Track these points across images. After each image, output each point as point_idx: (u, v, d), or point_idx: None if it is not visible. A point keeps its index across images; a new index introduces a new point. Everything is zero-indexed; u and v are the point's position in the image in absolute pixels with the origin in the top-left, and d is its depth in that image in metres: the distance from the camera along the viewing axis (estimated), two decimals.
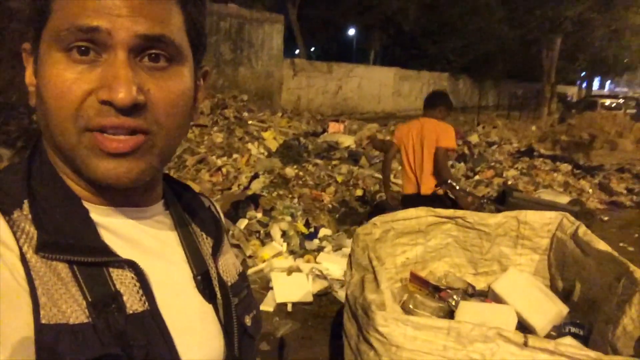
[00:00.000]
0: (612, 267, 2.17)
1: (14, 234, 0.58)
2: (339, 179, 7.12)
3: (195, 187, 5.70)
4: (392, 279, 2.71)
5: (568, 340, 1.99)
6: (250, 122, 9.36)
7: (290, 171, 6.94)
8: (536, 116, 24.64)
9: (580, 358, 1.43)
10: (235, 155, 7.58)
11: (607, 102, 24.96)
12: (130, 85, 0.57)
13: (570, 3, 22.78)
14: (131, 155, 0.60)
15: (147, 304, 0.63)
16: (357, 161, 8.13)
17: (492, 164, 9.29)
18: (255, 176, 6.78)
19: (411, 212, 2.74)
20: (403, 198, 4.36)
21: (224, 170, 6.99)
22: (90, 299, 0.58)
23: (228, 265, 0.82)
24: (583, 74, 39.35)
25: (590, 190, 8.49)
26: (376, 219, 2.62)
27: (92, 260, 0.61)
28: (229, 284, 0.79)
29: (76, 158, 0.61)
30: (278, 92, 16.61)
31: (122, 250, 0.64)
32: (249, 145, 8.17)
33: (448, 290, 2.49)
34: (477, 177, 8.26)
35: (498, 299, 2.36)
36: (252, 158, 7.72)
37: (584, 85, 44.68)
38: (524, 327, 2.26)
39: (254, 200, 5.80)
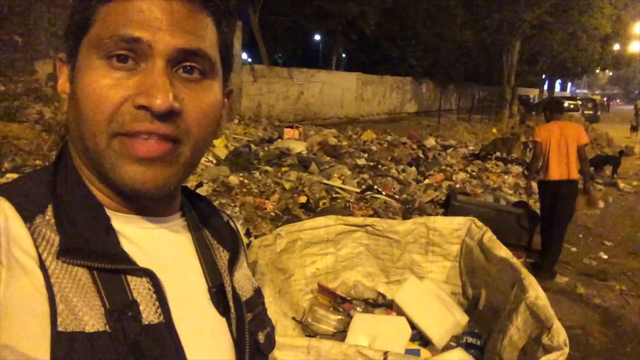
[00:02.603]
0: (510, 273, 2.13)
1: (34, 240, 0.58)
2: (287, 185, 7.04)
3: None
4: (302, 291, 2.64)
5: (456, 352, 1.93)
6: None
7: (234, 179, 6.83)
8: (497, 119, 25.01)
9: None
10: None
11: (566, 104, 25.56)
12: (168, 92, 0.60)
13: (528, 7, 23.27)
14: (159, 162, 0.62)
15: (162, 315, 0.63)
16: (307, 167, 8.06)
17: (444, 167, 9.33)
18: (200, 185, 6.64)
19: (319, 220, 2.67)
20: (546, 183, 5.58)
21: None
22: (108, 307, 0.59)
23: (244, 280, 0.81)
24: (544, 76, 40.17)
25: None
26: (281, 229, 2.55)
27: (112, 267, 0.61)
28: (244, 298, 0.78)
29: (104, 162, 0.62)
30: (237, 99, 16.46)
31: (140, 259, 0.65)
32: None
33: (353, 302, 2.43)
34: (427, 181, 8.27)
35: (399, 310, 2.30)
36: (199, 166, 7.58)
37: (546, 87, 45.64)
38: (424, 338, 2.21)
39: None
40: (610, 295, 5.12)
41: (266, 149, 9.14)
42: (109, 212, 0.66)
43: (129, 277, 0.63)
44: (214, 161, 8.03)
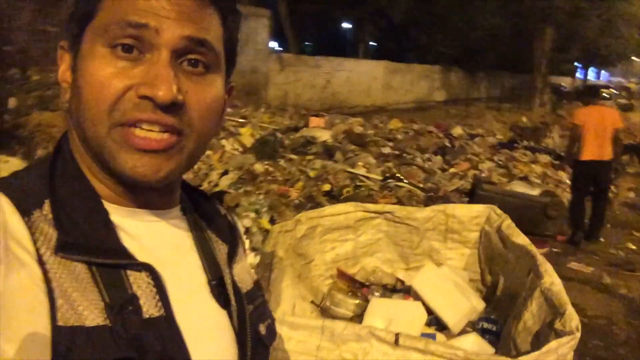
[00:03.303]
0: (527, 260, 2.14)
1: (32, 235, 0.58)
2: (312, 174, 7.09)
3: None
4: (322, 276, 2.68)
5: (471, 337, 1.96)
6: (226, 117, 9.30)
7: (259, 167, 6.90)
8: (527, 107, 24.57)
9: (449, 356, 1.40)
10: (208, 152, 7.53)
11: (604, 93, 24.96)
12: (172, 83, 0.60)
13: None
14: (161, 154, 0.62)
15: (163, 309, 0.63)
16: (331, 156, 8.08)
17: (470, 156, 9.25)
18: (225, 173, 6.74)
19: (339, 207, 2.71)
20: (581, 163, 6.10)
21: (194, 167, 6.95)
22: (108, 301, 0.59)
23: (243, 273, 0.82)
24: (577, 64, 39.25)
25: (568, 182, 8.45)
26: (301, 215, 2.60)
27: (111, 262, 0.61)
28: (244, 291, 0.79)
29: (104, 151, 0.62)
30: (264, 88, 16.54)
31: (139, 253, 0.65)
32: (223, 142, 8.12)
33: (371, 287, 2.47)
34: (452, 170, 8.22)
35: (417, 296, 2.33)
36: (225, 155, 7.68)
37: (579, 75, 44.58)
38: (440, 323, 2.24)
39: (218, 197, 5.76)
40: (636, 286, 5.06)
41: (292, 137, 9.18)
42: (108, 205, 0.66)
43: (129, 272, 0.63)
44: (240, 149, 8.12)
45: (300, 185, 6.52)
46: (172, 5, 0.61)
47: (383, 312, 2.09)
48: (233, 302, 0.75)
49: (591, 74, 52.94)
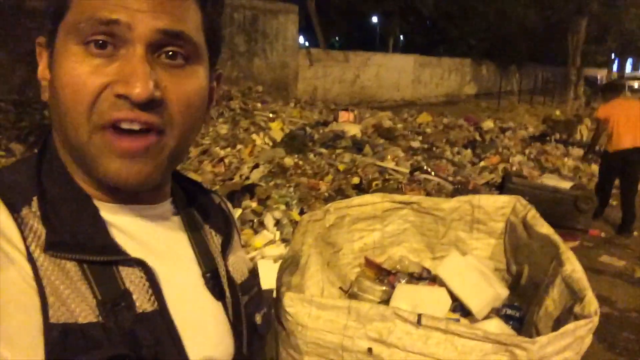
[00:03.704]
0: (550, 249, 2.18)
1: (22, 232, 0.57)
2: (341, 167, 7.17)
3: (197, 178, 5.84)
4: (350, 264, 2.76)
5: (494, 322, 2.02)
6: (257, 112, 9.45)
7: (289, 160, 7.02)
8: (561, 100, 24.12)
9: (469, 336, 1.48)
10: (239, 146, 7.69)
11: (636, 84, 24.32)
12: (148, 80, 0.58)
13: None
14: (142, 156, 0.60)
15: (156, 303, 0.63)
16: (360, 149, 8.15)
17: (501, 150, 9.19)
18: (256, 166, 6.88)
19: (367, 198, 2.78)
20: (615, 153, 6.29)
21: (226, 161, 7.11)
22: (100, 298, 0.58)
23: (238, 263, 0.81)
24: (613, 56, 38.26)
25: None
26: (330, 205, 2.67)
27: (101, 259, 0.60)
28: (239, 281, 0.78)
29: (86, 156, 0.61)
30: (294, 83, 16.68)
31: (131, 248, 0.64)
32: (254, 136, 8.26)
33: (397, 275, 2.54)
34: (482, 163, 8.19)
35: (442, 283, 2.39)
36: (256, 148, 7.82)
37: (616, 67, 43.48)
38: (465, 309, 2.29)
39: (249, 189, 5.89)
40: None
41: (321, 131, 9.28)
42: (96, 202, 0.65)
43: (120, 267, 0.62)
44: (270, 143, 8.26)
45: (329, 178, 6.62)
46: None
47: (408, 297, 2.17)
48: (227, 293, 0.74)
49: (628, 65, 51.54)
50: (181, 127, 0.63)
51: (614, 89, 6.88)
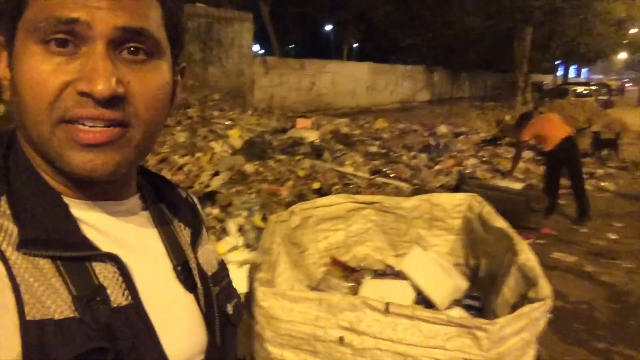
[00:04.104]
0: (505, 241, 2.32)
1: None
2: (301, 173, 7.24)
3: None
4: (315, 264, 2.84)
5: (455, 311, 2.13)
6: (214, 120, 9.44)
7: (249, 167, 7.05)
8: (510, 106, 24.92)
9: (434, 321, 1.57)
10: (198, 154, 7.66)
11: (579, 89, 25.38)
12: (110, 77, 0.57)
13: None
14: (107, 147, 0.60)
15: (130, 297, 0.63)
16: (320, 155, 8.26)
17: (455, 153, 9.47)
18: (216, 174, 6.87)
19: (331, 199, 2.87)
20: (554, 148, 6.77)
21: (185, 169, 7.07)
22: (75, 293, 0.58)
23: (208, 255, 0.82)
24: (558, 62, 39.78)
25: None
26: (295, 207, 2.75)
27: (74, 255, 0.60)
28: (210, 273, 0.79)
29: (50, 150, 0.60)
30: (250, 90, 16.68)
31: (103, 244, 0.64)
32: (213, 144, 8.24)
33: (362, 271, 2.64)
34: (438, 167, 8.43)
35: (405, 277, 2.50)
36: (215, 156, 7.80)
37: (561, 73, 45.17)
38: (428, 301, 2.40)
39: (210, 197, 5.89)
40: (617, 273, 5.26)
41: (279, 138, 9.34)
42: (66, 199, 0.64)
43: (94, 263, 0.62)
44: (229, 151, 8.25)
45: (290, 184, 6.68)
46: None
47: (374, 291, 2.26)
48: (199, 285, 0.75)
49: (572, 72, 53.67)
50: (147, 120, 0.63)
51: (528, 116, 7.61)
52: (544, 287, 1.74)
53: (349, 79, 22.62)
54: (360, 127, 12.04)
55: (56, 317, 0.55)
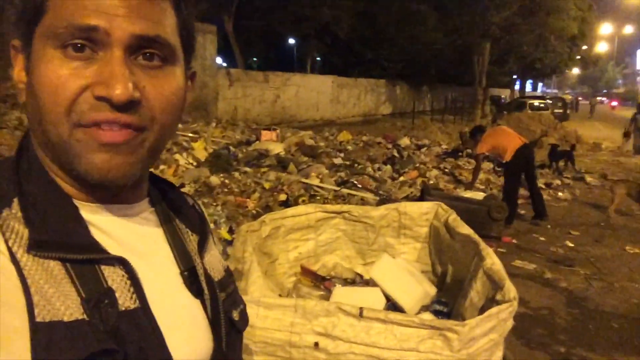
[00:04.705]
0: (471, 247, 2.39)
1: (3, 234, 0.57)
2: (267, 185, 7.25)
3: None
4: (286, 274, 2.86)
5: (425, 315, 2.18)
6: (178, 132, 9.36)
7: (215, 179, 7.01)
8: (470, 119, 25.54)
9: (407, 324, 1.61)
10: (162, 167, 7.58)
11: (536, 102, 26.20)
12: (127, 82, 0.59)
13: (497, 9, 23.84)
14: (124, 148, 0.61)
15: (138, 301, 0.64)
16: (285, 167, 8.28)
17: (418, 165, 9.64)
18: (182, 186, 6.81)
19: (300, 209, 2.90)
20: (512, 157, 7.05)
21: None
22: (84, 296, 0.58)
23: (214, 261, 0.82)
24: (515, 77, 40.97)
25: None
26: (265, 217, 2.77)
27: (84, 257, 0.61)
28: (216, 279, 0.80)
29: (69, 152, 0.61)
30: (214, 103, 16.61)
31: (111, 247, 0.65)
32: (177, 156, 8.18)
33: (332, 280, 2.66)
34: (402, 178, 8.56)
35: (375, 284, 2.54)
36: (180, 168, 7.74)
37: (518, 87, 46.52)
38: (397, 307, 2.45)
39: None
40: (575, 279, 5.43)
41: (245, 150, 9.34)
42: (76, 202, 0.65)
43: (102, 266, 0.63)
44: (194, 163, 8.20)
45: (256, 196, 6.68)
46: (121, 1, 0.60)
47: (345, 299, 2.28)
48: (206, 291, 0.76)
49: (528, 86, 55.33)
50: (161, 124, 0.65)
51: (481, 129, 8.00)
52: (510, 290, 1.81)
53: (313, 92, 22.78)
54: (325, 139, 12.15)
55: (65, 319, 0.56)
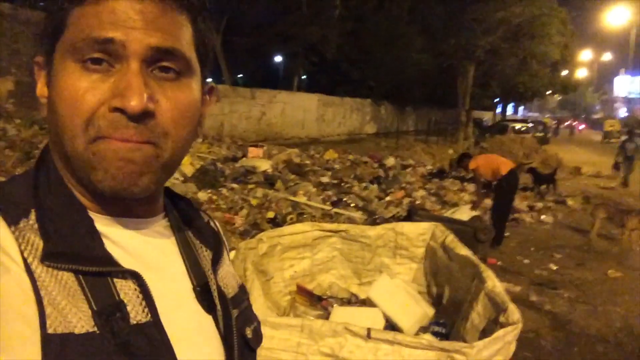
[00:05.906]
0: (470, 269, 2.41)
1: (19, 245, 0.58)
2: (254, 202, 7.23)
3: None
4: (281, 292, 2.84)
5: (425, 337, 2.18)
6: None
7: (202, 195, 6.97)
8: (453, 140, 25.81)
9: (415, 345, 1.61)
10: None
11: (518, 126, 26.64)
12: (142, 93, 0.59)
13: (482, 33, 24.28)
14: (139, 162, 0.61)
15: (149, 315, 0.63)
16: (272, 184, 8.27)
17: (404, 185, 9.70)
18: None
19: (297, 227, 2.90)
20: (508, 175, 7.36)
21: None
22: (95, 308, 0.59)
23: (228, 278, 0.82)
24: (497, 100, 41.54)
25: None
26: (263, 234, 2.76)
27: (97, 270, 0.61)
28: (229, 295, 0.79)
29: (85, 165, 0.61)
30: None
31: (124, 260, 0.65)
32: None
33: (329, 299, 2.65)
34: (388, 198, 8.59)
35: (373, 305, 2.54)
36: (166, 184, 7.67)
37: (499, 110, 47.16)
38: (395, 328, 2.45)
39: None
40: (559, 302, 5.49)
41: (231, 167, 9.30)
42: (91, 214, 0.66)
43: (115, 279, 0.63)
44: (181, 178, 8.14)
45: (244, 212, 6.64)
46: (138, 14, 0.61)
47: (344, 319, 2.27)
48: (219, 307, 0.75)
49: (510, 109, 56.15)
50: (175, 138, 0.64)
51: (468, 156, 8.29)
52: (514, 312, 1.82)
53: (299, 110, 22.85)
54: (311, 157, 12.17)
55: (76, 331, 0.56)
